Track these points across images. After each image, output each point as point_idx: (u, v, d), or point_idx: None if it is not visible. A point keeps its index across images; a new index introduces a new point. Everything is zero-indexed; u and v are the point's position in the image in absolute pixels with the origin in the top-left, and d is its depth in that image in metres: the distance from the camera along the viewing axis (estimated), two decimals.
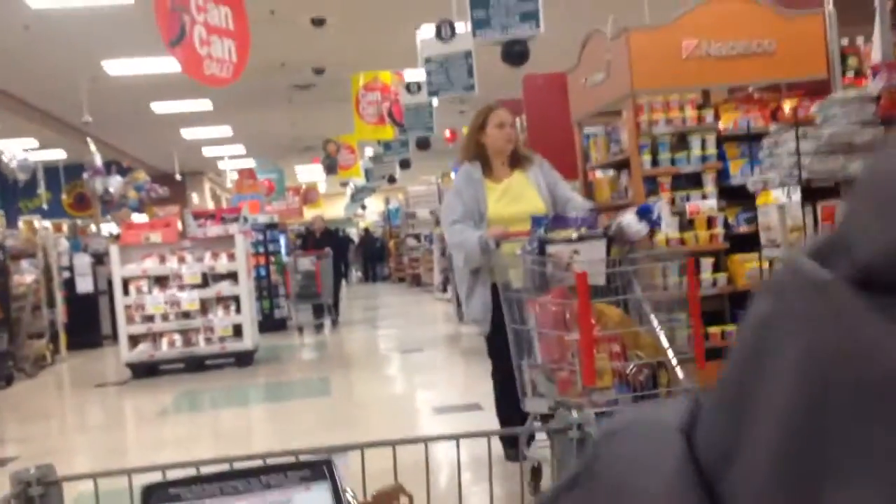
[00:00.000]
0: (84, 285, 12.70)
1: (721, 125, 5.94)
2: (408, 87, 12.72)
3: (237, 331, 9.58)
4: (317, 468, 0.81)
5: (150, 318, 9.45)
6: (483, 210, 4.09)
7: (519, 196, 4.13)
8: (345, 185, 27.93)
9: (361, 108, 11.80)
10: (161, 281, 9.53)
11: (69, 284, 12.56)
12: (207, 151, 21.33)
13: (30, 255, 10.99)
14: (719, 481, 0.35)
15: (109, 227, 15.91)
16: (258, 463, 0.89)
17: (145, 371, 9.43)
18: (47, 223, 15.93)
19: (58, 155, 19.22)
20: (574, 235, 3.37)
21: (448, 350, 10.02)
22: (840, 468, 0.30)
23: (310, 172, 26.03)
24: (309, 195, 22.10)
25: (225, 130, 18.88)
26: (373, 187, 21.46)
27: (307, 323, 12.78)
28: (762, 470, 0.33)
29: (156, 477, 0.91)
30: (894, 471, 0.28)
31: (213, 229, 9.72)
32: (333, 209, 31.07)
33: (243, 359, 9.63)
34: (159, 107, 16.00)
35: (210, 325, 9.53)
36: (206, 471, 0.89)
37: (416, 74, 12.60)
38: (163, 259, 9.63)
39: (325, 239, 13.24)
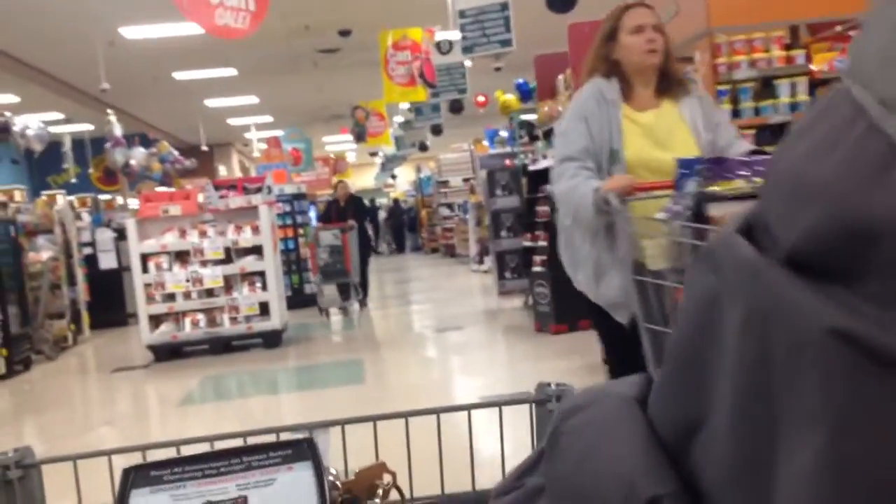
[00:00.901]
0: (107, 261, 12.04)
1: (814, 67, 5.02)
2: (438, 45, 11.82)
3: (264, 309, 8.84)
4: (299, 447, 0.76)
5: (171, 297, 8.74)
6: (617, 147, 2.84)
7: (668, 137, 2.85)
8: (374, 154, 27.11)
9: (390, 69, 10.92)
10: (182, 257, 8.81)
11: (92, 261, 11.91)
12: (234, 121, 20.61)
13: (46, 231, 10.31)
14: (684, 453, 0.36)
15: (135, 202, 15.26)
16: (239, 442, 0.85)
17: (168, 353, 8.73)
18: (73, 198, 15.33)
19: (84, 128, 18.62)
20: (748, 188, 2.15)
21: (489, 327, 9.21)
22: (788, 417, 0.32)
23: (339, 143, 25.23)
24: (338, 165, 21.30)
25: (251, 99, 18.13)
26: (403, 156, 20.61)
27: (332, 304, 11.01)
28: (725, 433, 0.34)
29: (136, 458, 0.85)
30: (831, 411, 0.29)
31: (236, 200, 8.95)
32: (363, 179, 30.28)
33: (271, 339, 8.90)
34: (182, 75, 15.28)
35: (235, 303, 8.80)
36: (187, 450, 0.86)
37: (447, 34, 11.71)
38: (183, 233, 8.89)
39: (349, 208, 11.40)
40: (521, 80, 13.02)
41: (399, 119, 19.09)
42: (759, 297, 0.34)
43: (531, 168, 8.42)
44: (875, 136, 0.31)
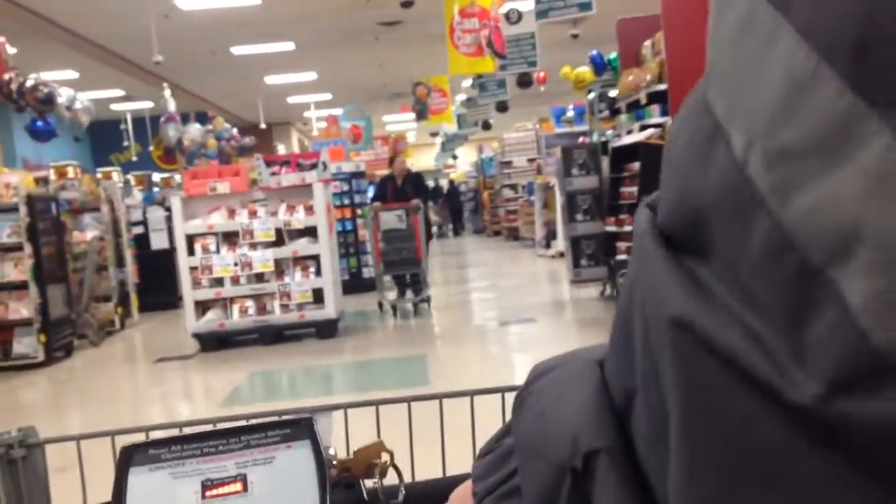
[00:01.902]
0: (158, 241, 11.34)
1: None
2: (507, 15, 10.78)
3: (317, 296, 7.99)
4: (298, 427, 0.75)
5: (218, 282, 7.94)
6: None
7: None
8: (435, 134, 26.18)
9: (456, 38, 9.92)
10: (230, 238, 7.99)
11: (143, 241, 11.23)
12: (293, 100, 19.88)
13: (93, 209, 9.61)
14: (627, 413, 0.36)
15: None
16: (240, 424, 0.80)
17: (215, 343, 7.95)
18: (130, 176, 14.73)
19: (144, 105, 18.08)
20: None
21: (563, 321, 8.21)
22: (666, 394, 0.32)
23: (399, 122, 24.37)
24: (398, 144, 20.37)
25: (310, 76, 17.36)
26: (465, 135, 19.60)
27: (398, 301, 9.22)
28: (640, 402, 0.35)
29: (139, 438, 0.79)
30: (678, 401, 0.30)
31: (288, 177, 8.08)
32: (423, 160, 29.39)
33: (325, 329, 8.05)
34: (239, 50, 14.58)
35: (286, 289, 7.96)
36: (189, 432, 0.81)
37: (516, 3, 10.68)
38: (232, 213, 8.08)
39: (408, 186, 9.52)
40: (594, 52, 11.92)
41: (462, 97, 18.08)
42: (641, 271, 0.35)
43: (615, 145, 7.37)
44: (706, 114, 0.31)
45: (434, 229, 22.89)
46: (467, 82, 17.52)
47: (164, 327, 10.09)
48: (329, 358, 7.37)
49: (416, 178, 9.86)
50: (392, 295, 9.35)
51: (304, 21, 13.37)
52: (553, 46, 12.42)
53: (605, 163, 8.33)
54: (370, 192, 12.00)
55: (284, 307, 7.97)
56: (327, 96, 19.60)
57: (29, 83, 9.73)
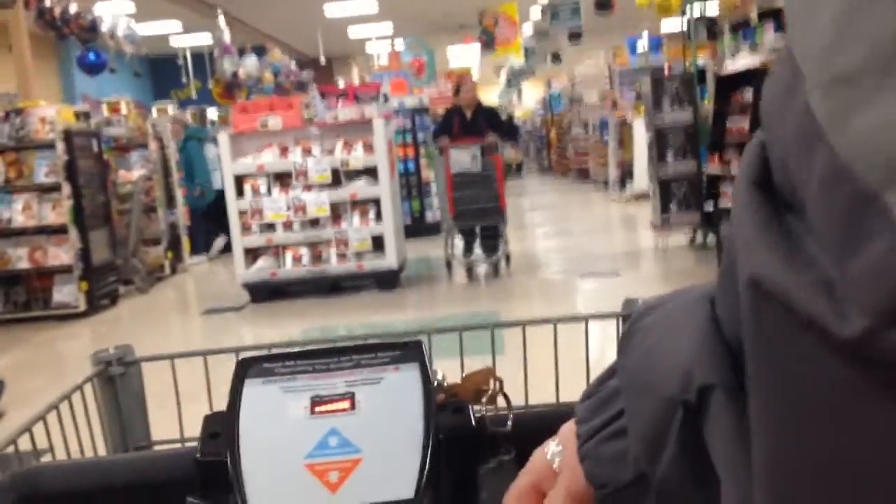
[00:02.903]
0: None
1: None
2: None
3: (377, 244, 7.12)
4: (408, 349, 0.74)
5: (270, 227, 7.12)
6: None
7: None
8: (500, 69, 24.85)
9: None
10: (283, 179, 7.14)
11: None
12: (353, 32, 18.81)
13: (140, 146, 8.85)
14: (740, 356, 0.35)
15: None
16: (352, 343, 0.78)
17: (266, 293, 7.17)
18: (188, 112, 14.04)
19: (204, 41, 17.28)
20: None
21: (654, 274, 7.19)
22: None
23: (462, 55, 23.09)
24: (462, 80, 19.22)
25: (370, 5, 16.25)
26: (532, 68, 18.31)
27: (475, 261, 7.71)
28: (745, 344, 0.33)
29: (231, 359, 0.79)
30: (751, 344, 0.31)
31: (346, 112, 7.14)
32: (487, 96, 28.12)
33: (385, 280, 7.19)
34: None
35: (343, 236, 7.09)
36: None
37: None
38: (284, 151, 7.21)
39: (479, 119, 7.59)
40: None
41: (530, 27, 16.78)
42: (730, 225, 0.34)
43: (722, 72, 6.22)
44: (788, 60, 0.30)
45: (513, 167, 21.24)
46: (536, 14, 16.24)
47: (219, 272, 9.38)
48: (390, 313, 6.52)
49: (489, 110, 7.98)
50: (461, 251, 7.76)
51: None
52: None
53: (702, 93, 7.19)
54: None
55: (341, 256, 7.13)
56: (389, 28, 18.47)
57: (72, 9, 8.94)
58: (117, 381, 1.08)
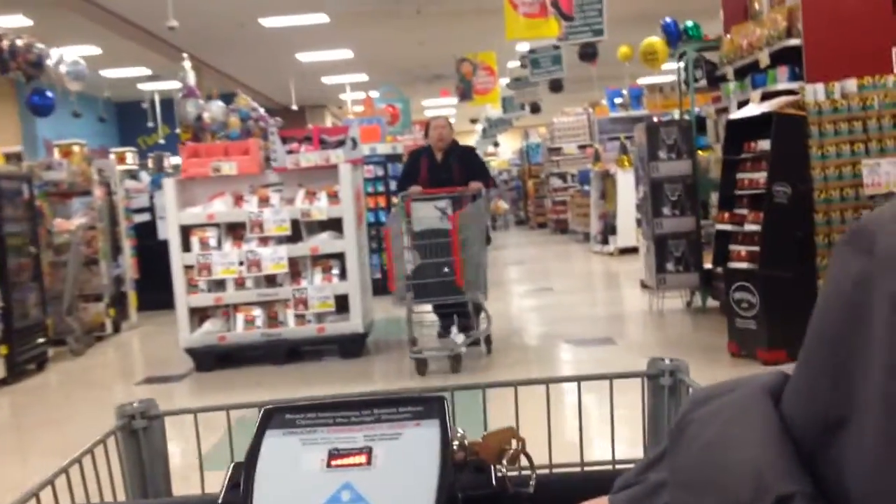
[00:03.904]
0: (166, 231, 9.62)
1: None
2: None
3: (341, 304, 6.19)
4: (429, 405, 0.73)
5: (219, 285, 6.18)
6: None
7: None
8: (475, 121, 24.28)
9: None
10: (235, 231, 6.23)
11: (149, 229, 9.52)
12: (327, 80, 18.11)
13: (83, 193, 7.90)
14: (820, 452, 0.32)
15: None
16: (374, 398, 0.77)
17: (213, 360, 6.19)
18: (150, 157, 13.15)
19: (172, 85, 16.47)
20: None
21: (652, 343, 6.31)
22: None
23: (439, 108, 22.50)
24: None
25: (345, 53, 15.59)
26: (509, 119, 17.66)
27: (438, 348, 5.79)
28: (875, 433, 0.31)
29: (252, 415, 0.78)
30: None
31: (308, 157, 6.27)
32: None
33: (350, 346, 6.24)
34: (269, 21, 12.90)
35: (303, 295, 6.16)
36: None
37: None
38: (239, 199, 6.31)
39: (453, 162, 6.12)
40: (668, 20, 9.97)
41: (505, 80, 16.13)
42: (864, 279, 0.32)
43: (733, 117, 5.45)
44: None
45: (499, 221, 19.48)
46: (514, 63, 15.62)
47: (167, 331, 8.36)
48: (356, 384, 5.55)
49: (464, 151, 6.40)
50: (432, 338, 5.93)
51: None
52: (614, 24, 10.47)
53: (699, 143, 6.45)
54: None
55: (300, 318, 6.19)
56: (364, 77, 17.80)
57: (19, 42, 8.06)
58: (140, 435, 1.09)
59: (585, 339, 6.30)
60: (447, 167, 6.13)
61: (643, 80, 16.68)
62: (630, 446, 1.09)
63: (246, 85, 17.81)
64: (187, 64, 11.57)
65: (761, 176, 5.06)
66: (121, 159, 13.08)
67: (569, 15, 8.08)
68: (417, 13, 12.93)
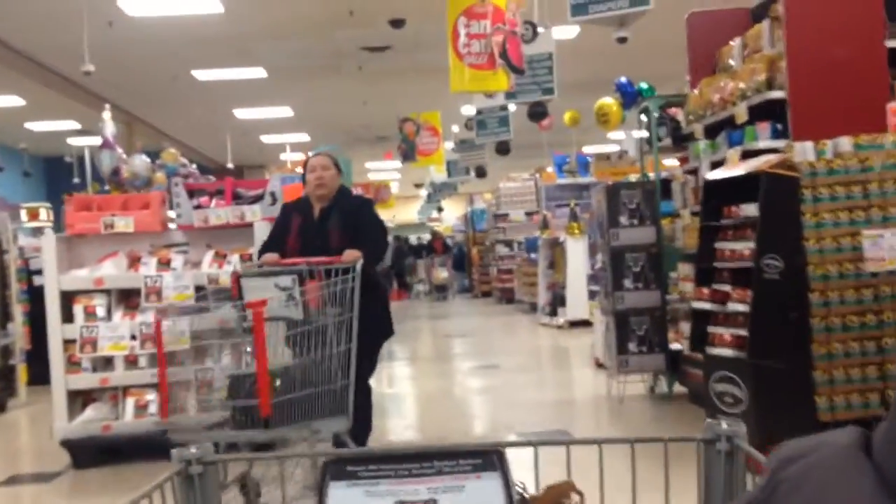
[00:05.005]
0: None
1: None
2: (521, 34, 8.22)
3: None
4: (488, 458, 0.76)
5: (106, 363, 5.09)
6: None
7: None
8: (419, 185, 23.59)
9: (461, 45, 7.27)
10: (129, 299, 5.18)
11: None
12: (267, 139, 17.24)
13: None
14: None
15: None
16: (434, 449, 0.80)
17: (94, 456, 5.05)
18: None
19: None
20: None
21: (608, 432, 5.38)
22: None
23: (382, 171, 21.75)
24: (380, 193, 17.70)
25: (284, 111, 14.79)
26: (454, 183, 16.96)
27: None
28: None
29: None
30: None
31: (219, 213, 5.30)
32: (406, 213, 26.77)
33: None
34: (203, 75, 12.05)
35: (208, 377, 5.11)
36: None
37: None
38: (135, 262, 5.28)
39: (334, 217, 4.25)
40: (623, 80, 9.38)
41: (451, 144, 15.47)
42: None
43: (711, 177, 4.69)
44: None
45: (448, 291, 18.19)
46: (456, 128, 14.99)
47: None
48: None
49: (355, 205, 4.42)
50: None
51: (275, 40, 10.81)
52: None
53: (676, 205, 5.68)
54: None
55: (204, 404, 5.12)
56: (305, 137, 16.98)
57: None
58: (196, 480, 1.07)
59: (536, 430, 5.35)
60: (323, 227, 4.22)
61: (589, 149, 16.22)
62: None
63: (180, 141, 16.82)
64: (107, 114, 10.56)
65: (745, 246, 4.27)
66: (33, 215, 11.91)
67: (519, 68, 7.35)
68: (359, 69, 12.22)
